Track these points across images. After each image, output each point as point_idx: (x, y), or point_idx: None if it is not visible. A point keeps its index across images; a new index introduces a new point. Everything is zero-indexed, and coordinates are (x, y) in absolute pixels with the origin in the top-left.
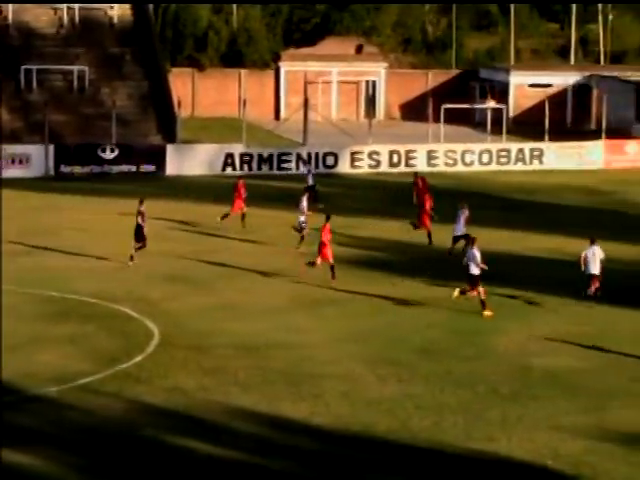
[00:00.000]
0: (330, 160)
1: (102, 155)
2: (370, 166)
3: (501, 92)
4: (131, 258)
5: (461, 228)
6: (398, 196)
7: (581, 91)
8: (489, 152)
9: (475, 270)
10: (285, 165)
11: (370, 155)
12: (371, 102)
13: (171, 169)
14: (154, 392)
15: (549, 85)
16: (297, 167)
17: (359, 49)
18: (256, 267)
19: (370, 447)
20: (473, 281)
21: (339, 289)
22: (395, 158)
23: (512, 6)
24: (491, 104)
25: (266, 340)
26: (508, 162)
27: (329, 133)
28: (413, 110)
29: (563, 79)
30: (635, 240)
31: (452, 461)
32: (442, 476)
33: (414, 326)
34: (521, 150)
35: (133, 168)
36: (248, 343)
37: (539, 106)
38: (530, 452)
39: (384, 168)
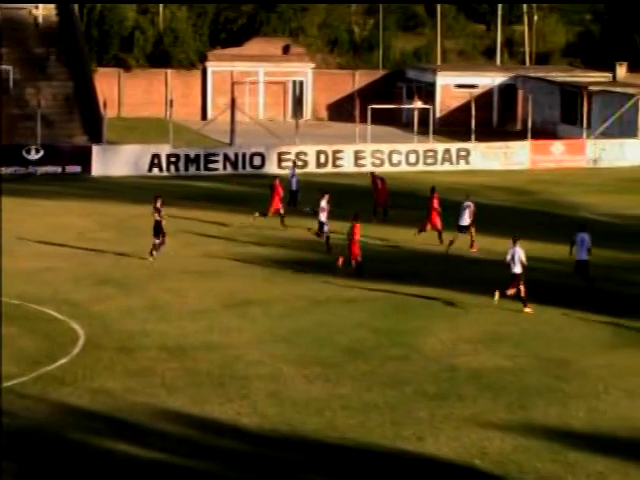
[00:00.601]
0: (257, 161)
1: (27, 156)
2: (298, 167)
3: (428, 93)
4: (151, 253)
5: (466, 219)
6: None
7: (507, 92)
8: (416, 152)
9: (517, 268)
10: (212, 165)
11: (297, 156)
12: (298, 102)
13: (97, 170)
14: (79, 394)
15: (475, 86)
16: (224, 167)
17: (286, 49)
18: (184, 268)
19: (298, 447)
20: (515, 279)
21: (266, 289)
22: (322, 158)
23: (438, 7)
24: (418, 104)
25: (193, 341)
26: (435, 162)
27: (256, 134)
28: (340, 110)
29: (489, 80)
30: (560, 240)
31: (380, 460)
32: (370, 476)
33: (341, 326)
34: (448, 150)
35: (58, 169)
36: (175, 344)
37: (465, 107)
38: (458, 451)
39: (311, 168)
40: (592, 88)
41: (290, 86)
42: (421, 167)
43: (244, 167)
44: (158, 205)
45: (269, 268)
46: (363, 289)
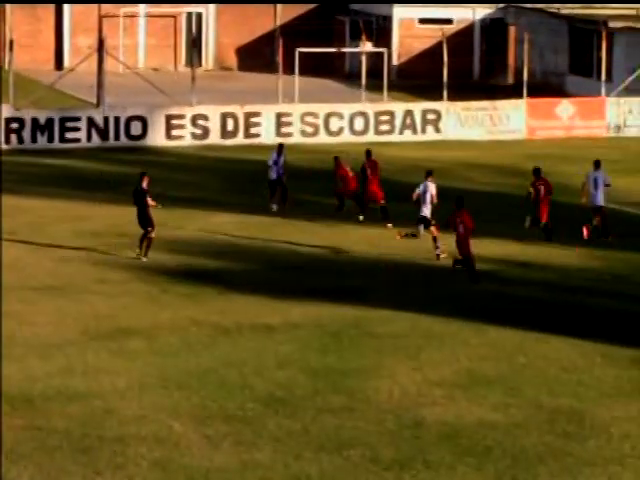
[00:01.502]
0: (136, 128)
1: None
2: (194, 136)
3: (381, 30)
4: (145, 253)
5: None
6: (236, 180)
7: (494, 30)
8: (364, 116)
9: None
10: (71, 135)
11: (194, 120)
12: (195, 45)
13: None
14: None
15: (449, 21)
16: (88, 137)
17: None
18: (30, 281)
19: None
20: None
21: (151, 313)
22: (230, 124)
23: None
24: (367, 47)
25: (45, 388)
26: (392, 130)
27: (135, 89)
28: (255, 56)
29: (468, 12)
30: (571, 241)
31: None
32: None
33: (258, 365)
34: (410, 113)
35: None
36: (19, 393)
37: (434, 51)
38: None
39: (214, 139)
40: (613, 25)
41: (184, 21)
42: (372, 137)
43: (117, 137)
44: (144, 185)
45: (155, 282)
46: (289, 312)
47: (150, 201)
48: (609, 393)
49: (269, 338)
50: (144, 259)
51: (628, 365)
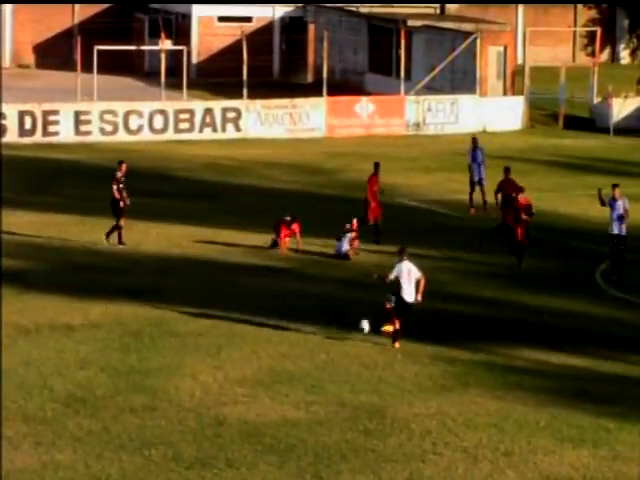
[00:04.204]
0: None
1: None
2: None
3: (180, 28)
4: (107, 236)
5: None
6: (34, 179)
7: (294, 28)
8: (164, 114)
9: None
10: None
11: None
12: None
13: None
14: None
15: (248, 19)
16: None
17: None
18: None
19: None
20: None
21: None
22: (28, 123)
23: None
24: (166, 45)
25: None
26: (192, 128)
27: None
28: (53, 54)
29: (267, 10)
30: (370, 236)
31: None
32: None
33: (58, 365)
34: (210, 111)
35: None
36: None
37: (234, 49)
38: None
39: (12, 137)
40: (412, 23)
41: None
42: (171, 135)
43: None
44: (118, 174)
45: None
46: (89, 311)
47: (115, 191)
48: (410, 390)
49: (69, 338)
50: (106, 243)
51: (428, 362)
